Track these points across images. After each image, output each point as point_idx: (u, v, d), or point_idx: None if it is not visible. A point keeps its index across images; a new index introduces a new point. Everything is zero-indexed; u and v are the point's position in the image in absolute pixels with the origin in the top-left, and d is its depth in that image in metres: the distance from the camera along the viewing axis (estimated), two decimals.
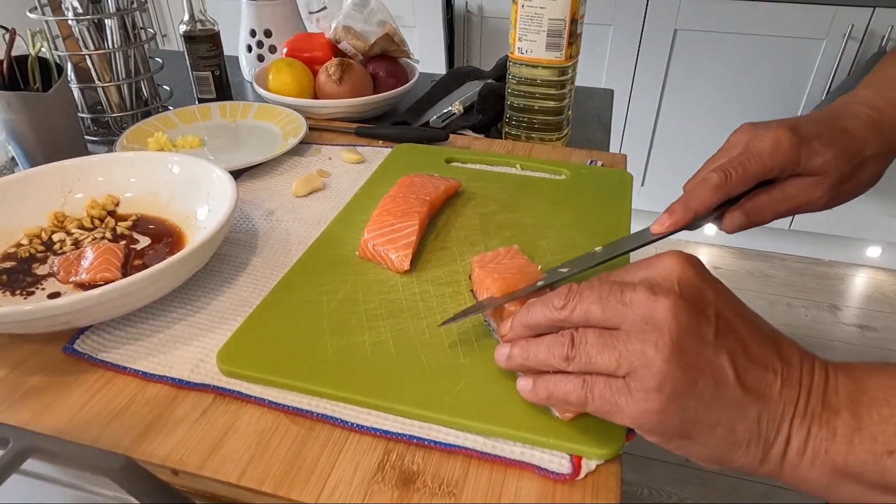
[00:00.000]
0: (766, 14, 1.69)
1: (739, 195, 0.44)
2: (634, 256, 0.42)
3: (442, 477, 0.35)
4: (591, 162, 0.69)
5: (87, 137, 0.76)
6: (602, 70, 1.88)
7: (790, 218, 1.96)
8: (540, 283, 0.42)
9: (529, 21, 0.67)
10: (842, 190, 0.45)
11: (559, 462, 0.35)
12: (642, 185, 1.99)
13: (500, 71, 0.92)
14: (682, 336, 0.29)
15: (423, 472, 0.35)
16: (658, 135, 1.96)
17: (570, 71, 0.71)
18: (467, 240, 0.54)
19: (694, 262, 0.32)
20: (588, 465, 0.35)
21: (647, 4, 1.76)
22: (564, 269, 0.43)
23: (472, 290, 0.47)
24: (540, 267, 0.45)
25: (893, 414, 0.28)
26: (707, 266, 0.33)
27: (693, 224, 0.44)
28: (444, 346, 0.42)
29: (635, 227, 0.52)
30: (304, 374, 0.40)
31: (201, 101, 0.88)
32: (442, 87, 0.90)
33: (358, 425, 0.37)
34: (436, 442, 0.36)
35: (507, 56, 0.73)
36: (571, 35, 0.67)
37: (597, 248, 0.44)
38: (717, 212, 0.45)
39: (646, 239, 0.44)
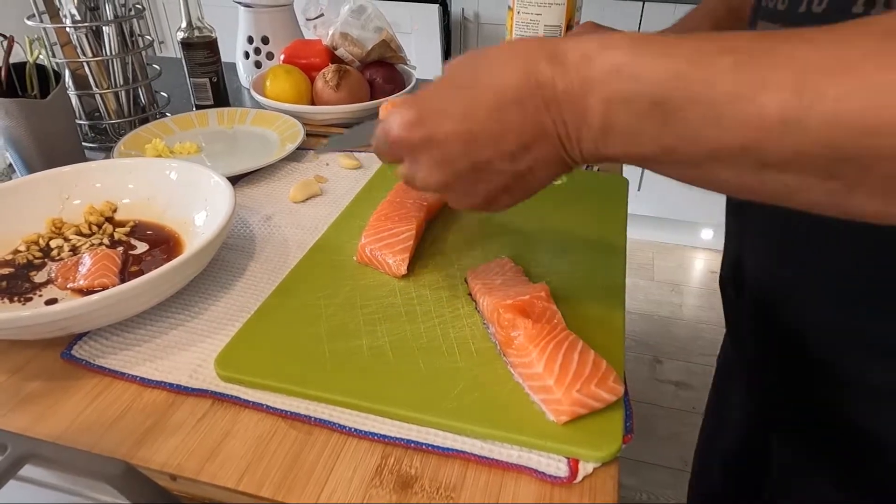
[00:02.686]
0: None
1: None
2: None
3: (440, 481, 0.35)
4: (588, 167, 0.69)
5: (84, 144, 0.76)
6: None
7: None
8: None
9: (525, 27, 0.68)
10: None
11: (556, 465, 0.35)
12: (638, 189, 2.00)
13: None
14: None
15: (420, 475, 0.35)
16: None
17: None
18: (464, 244, 0.54)
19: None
20: (585, 468, 0.35)
21: (642, 11, 1.77)
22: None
23: (469, 294, 0.47)
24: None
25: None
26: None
27: None
28: (441, 349, 0.42)
29: (631, 231, 0.52)
30: (302, 379, 0.40)
31: (199, 107, 0.88)
32: None
33: (356, 430, 0.37)
34: (433, 446, 0.36)
35: None
36: None
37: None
38: None
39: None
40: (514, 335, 0.40)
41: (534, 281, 0.47)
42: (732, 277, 0.51)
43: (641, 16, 1.77)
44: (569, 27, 0.67)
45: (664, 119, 0.26)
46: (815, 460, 0.44)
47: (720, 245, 2.14)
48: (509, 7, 0.68)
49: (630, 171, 0.66)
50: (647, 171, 2.20)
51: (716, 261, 2.03)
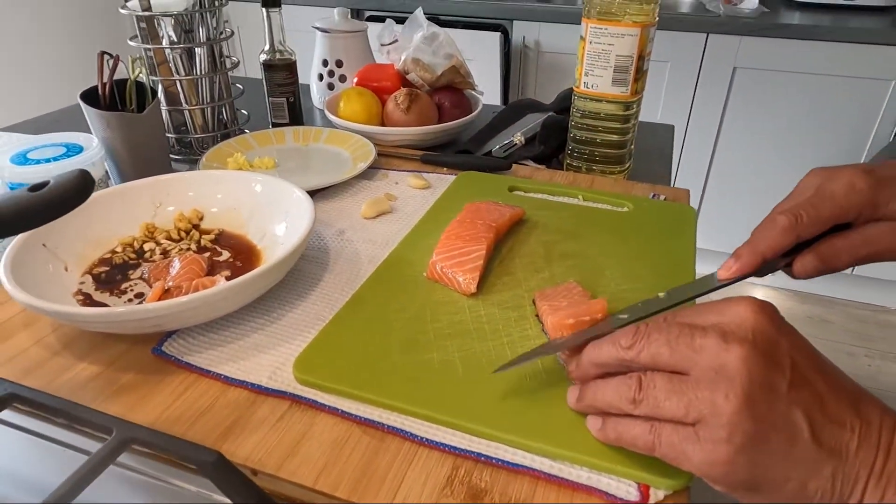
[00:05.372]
0: (829, 53, 1.66)
1: (811, 240, 0.41)
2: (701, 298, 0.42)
3: (510, 495, 0.35)
4: (654, 196, 0.70)
5: (170, 156, 0.82)
6: (658, 105, 1.88)
7: None
8: (612, 323, 0.41)
9: (596, 57, 0.69)
10: None
11: (626, 489, 0.35)
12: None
13: (561, 104, 0.94)
14: (754, 388, 0.29)
15: (490, 489, 0.36)
16: (714, 171, 1.93)
17: (634, 106, 0.72)
18: (531, 266, 0.55)
19: (769, 310, 0.32)
20: (656, 494, 0.35)
21: (705, 42, 1.76)
22: (624, 316, 0.41)
23: (537, 316, 0.48)
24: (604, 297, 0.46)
25: None
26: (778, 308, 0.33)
27: (761, 270, 0.41)
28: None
29: (701, 266, 0.52)
30: (375, 387, 0.41)
31: (275, 125, 0.93)
32: (503, 119, 0.93)
33: (427, 440, 0.39)
34: (503, 461, 0.37)
35: (570, 90, 0.75)
36: (638, 71, 0.69)
37: (660, 294, 0.42)
38: (787, 258, 0.42)
39: (711, 285, 0.42)
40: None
41: None
42: None
43: (705, 48, 1.76)
44: (640, 58, 0.68)
45: None
46: None
47: (780, 283, 2.05)
48: (581, 37, 0.69)
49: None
50: (705, 203, 2.13)
51: (775, 298, 1.96)
